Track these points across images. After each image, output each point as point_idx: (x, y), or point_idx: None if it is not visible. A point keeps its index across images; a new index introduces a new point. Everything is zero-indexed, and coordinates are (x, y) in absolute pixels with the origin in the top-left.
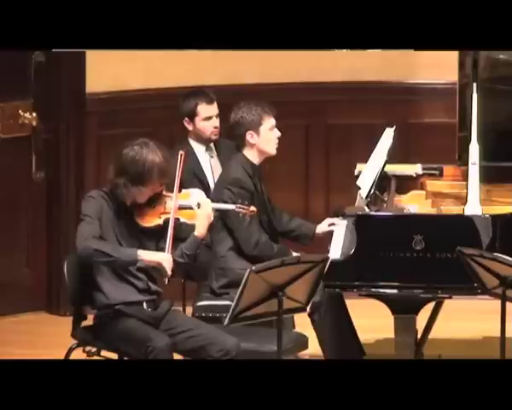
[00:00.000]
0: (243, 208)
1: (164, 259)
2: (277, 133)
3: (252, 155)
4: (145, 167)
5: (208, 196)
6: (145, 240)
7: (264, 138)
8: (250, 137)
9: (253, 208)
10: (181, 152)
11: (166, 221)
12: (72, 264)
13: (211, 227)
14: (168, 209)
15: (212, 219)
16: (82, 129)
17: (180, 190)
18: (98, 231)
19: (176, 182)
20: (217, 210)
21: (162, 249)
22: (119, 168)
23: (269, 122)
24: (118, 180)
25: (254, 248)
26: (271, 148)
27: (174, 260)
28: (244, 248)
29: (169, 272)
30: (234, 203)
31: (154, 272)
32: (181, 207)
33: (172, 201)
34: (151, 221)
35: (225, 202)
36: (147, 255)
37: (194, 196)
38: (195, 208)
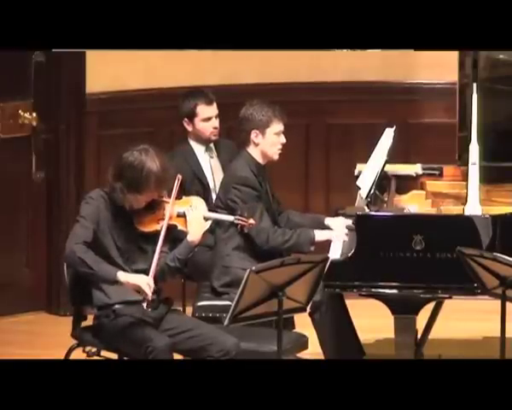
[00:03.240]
0: (242, 220)
1: (142, 282)
2: (283, 140)
3: (255, 154)
4: (142, 175)
5: (208, 197)
6: (143, 243)
7: (269, 141)
8: (255, 136)
9: (251, 221)
10: (178, 176)
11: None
12: None
13: (205, 233)
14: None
15: (208, 226)
16: (82, 129)
17: (180, 197)
18: (90, 235)
19: (169, 206)
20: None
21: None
22: (117, 172)
23: (277, 127)
24: (115, 184)
25: (267, 242)
26: (273, 152)
27: (167, 264)
28: (257, 242)
29: (149, 296)
30: (242, 202)
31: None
32: (179, 215)
33: (168, 210)
34: (149, 227)
35: (233, 202)
36: (124, 277)
37: (193, 203)
38: (187, 214)
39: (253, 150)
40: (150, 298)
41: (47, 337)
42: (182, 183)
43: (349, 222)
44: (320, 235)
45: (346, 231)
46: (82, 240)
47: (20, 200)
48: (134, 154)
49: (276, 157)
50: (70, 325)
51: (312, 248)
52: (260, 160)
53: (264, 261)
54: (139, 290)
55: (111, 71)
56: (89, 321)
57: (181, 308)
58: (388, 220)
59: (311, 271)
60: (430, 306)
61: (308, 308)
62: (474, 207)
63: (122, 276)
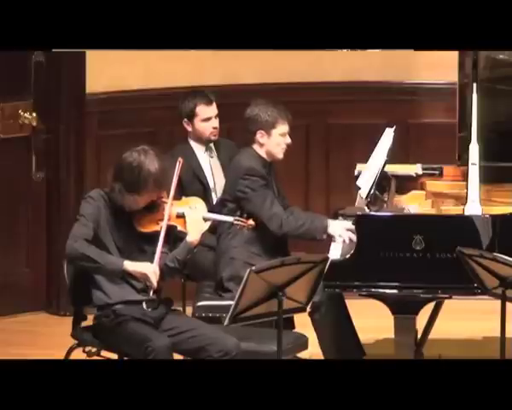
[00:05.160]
0: (241, 221)
1: (148, 270)
2: (288, 140)
3: (261, 153)
4: (140, 176)
5: (208, 197)
6: (143, 244)
7: (274, 142)
8: (260, 136)
9: (251, 222)
10: (179, 159)
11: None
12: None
13: (205, 233)
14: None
15: (207, 227)
16: (82, 129)
17: (180, 198)
18: (91, 233)
19: (172, 188)
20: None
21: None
22: (116, 172)
23: (282, 127)
24: (114, 185)
25: (280, 227)
26: (278, 152)
27: (166, 265)
28: (271, 228)
29: (154, 284)
30: (251, 190)
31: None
32: (178, 216)
33: (168, 207)
34: (149, 227)
35: (243, 192)
36: (131, 266)
37: (192, 203)
38: (186, 215)
39: (258, 149)
40: (155, 286)
41: (47, 337)
42: (182, 184)
43: (350, 225)
44: (333, 226)
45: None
46: (83, 238)
47: (20, 200)
48: (133, 154)
49: (280, 156)
50: (70, 325)
51: (325, 236)
52: (265, 158)
53: (272, 257)
54: (145, 279)
55: (111, 71)
56: (89, 321)
57: (181, 308)
58: (388, 220)
59: (311, 271)
60: (430, 306)
61: (308, 308)
62: (474, 207)
63: (129, 265)
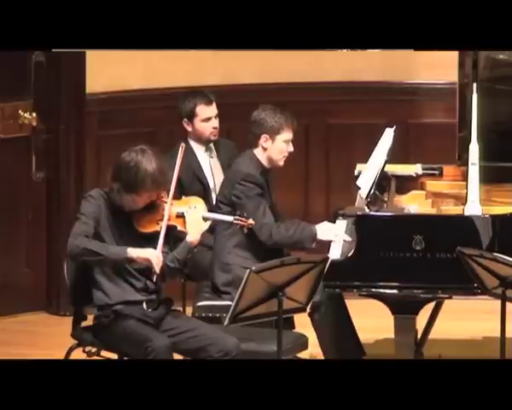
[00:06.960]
0: (241, 221)
1: (152, 256)
2: (290, 148)
3: (262, 158)
4: (137, 176)
5: (208, 197)
6: (144, 243)
7: (277, 148)
8: (264, 140)
9: (251, 221)
10: (182, 144)
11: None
12: (72, 264)
13: (205, 233)
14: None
15: (207, 226)
16: (82, 129)
17: (180, 197)
18: (91, 231)
19: (174, 178)
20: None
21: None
22: (114, 172)
23: (287, 135)
24: (113, 185)
25: (270, 237)
26: (279, 160)
27: (167, 265)
28: (261, 238)
29: (157, 269)
30: (246, 197)
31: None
32: (178, 216)
33: (168, 207)
34: (149, 227)
35: (238, 197)
36: (135, 252)
37: (192, 203)
38: (186, 215)
39: (259, 153)
40: (158, 272)
41: (47, 337)
42: (182, 184)
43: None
44: (321, 232)
45: (344, 234)
46: (83, 235)
47: (20, 200)
48: (131, 154)
49: (281, 164)
50: (70, 325)
51: (314, 245)
52: (265, 163)
53: (265, 261)
54: (148, 264)
55: (111, 71)
56: (89, 321)
57: (181, 308)
58: (388, 220)
59: (311, 271)
60: (430, 306)
61: (308, 308)
62: (474, 208)
63: (132, 252)
